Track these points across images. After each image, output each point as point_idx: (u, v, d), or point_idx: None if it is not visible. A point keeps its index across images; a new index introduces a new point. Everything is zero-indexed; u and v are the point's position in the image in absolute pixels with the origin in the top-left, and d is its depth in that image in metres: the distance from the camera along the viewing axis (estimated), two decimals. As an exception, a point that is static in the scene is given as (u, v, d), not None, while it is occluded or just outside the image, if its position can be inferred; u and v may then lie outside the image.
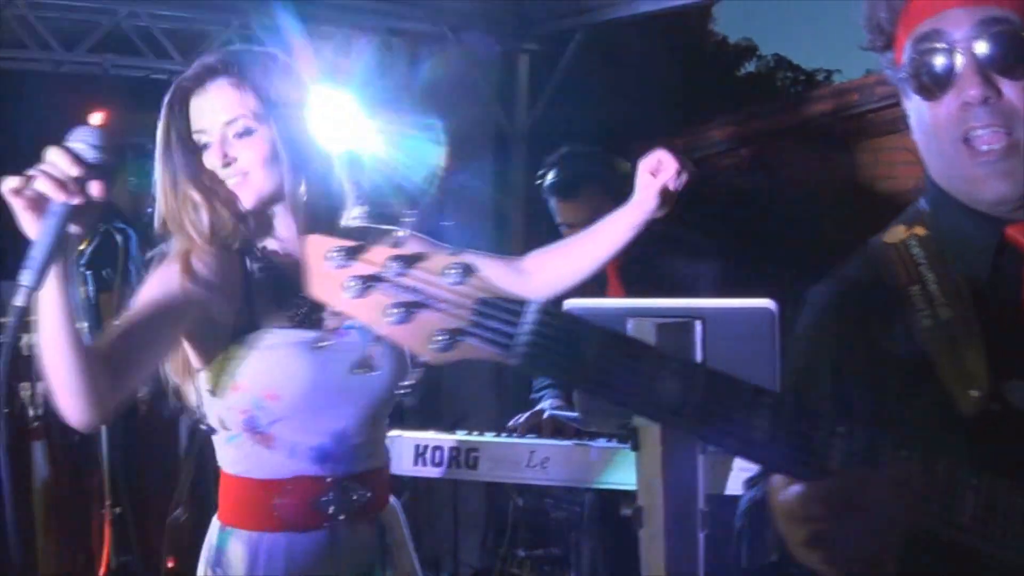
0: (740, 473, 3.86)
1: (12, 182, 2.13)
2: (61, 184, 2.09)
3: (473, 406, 7.35)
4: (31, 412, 5.13)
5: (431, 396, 7.27)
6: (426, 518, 6.59)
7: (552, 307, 1.46)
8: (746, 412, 1.48)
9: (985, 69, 1.75)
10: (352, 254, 1.47)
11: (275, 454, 2.62)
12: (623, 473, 3.99)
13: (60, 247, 2.14)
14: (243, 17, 7.23)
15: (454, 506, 6.47)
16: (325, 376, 2.62)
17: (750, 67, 23.55)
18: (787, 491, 1.48)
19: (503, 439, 4.37)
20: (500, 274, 2.78)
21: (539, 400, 4.84)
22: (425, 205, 5.78)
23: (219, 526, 2.70)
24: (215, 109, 2.63)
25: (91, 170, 2.15)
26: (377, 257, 1.48)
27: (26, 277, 2.11)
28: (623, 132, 5.41)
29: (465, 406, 7.26)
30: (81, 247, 5.43)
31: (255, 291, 2.66)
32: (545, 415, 4.60)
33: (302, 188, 2.69)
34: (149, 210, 5.78)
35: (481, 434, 4.35)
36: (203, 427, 2.63)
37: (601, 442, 4.18)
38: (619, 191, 4.70)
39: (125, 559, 5.26)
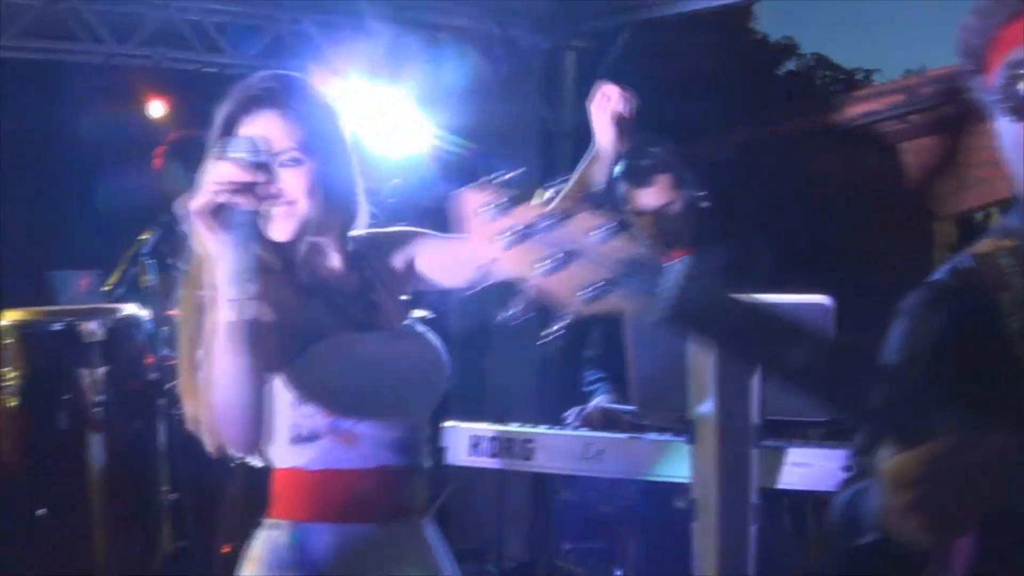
0: (792, 468, 3.88)
1: (199, 201, 2.24)
2: (245, 194, 2.21)
3: (518, 398, 7.40)
4: (92, 397, 5.18)
5: (477, 388, 7.32)
6: (471, 511, 6.63)
7: (695, 269, 1.53)
8: (868, 378, 1.57)
9: None
10: (505, 208, 1.55)
11: (361, 451, 2.65)
12: (676, 466, 3.98)
13: (249, 251, 2.24)
14: (293, 12, 7.29)
15: (499, 499, 6.50)
16: (388, 372, 2.67)
17: (790, 66, 23.48)
18: (896, 457, 1.57)
19: (558, 431, 4.40)
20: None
21: (592, 394, 4.88)
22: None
23: (289, 523, 2.69)
24: (264, 138, 2.65)
25: (263, 176, 2.28)
26: (529, 212, 1.56)
27: (229, 291, 2.23)
28: (667, 129, 5.44)
29: (510, 398, 7.30)
30: (145, 236, 5.50)
31: (311, 304, 2.71)
32: (599, 408, 4.64)
33: (343, 205, 2.76)
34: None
35: (535, 425, 4.37)
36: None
37: (655, 435, 4.19)
38: (686, 181, 4.81)
39: (182, 544, 5.30)
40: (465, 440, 4.39)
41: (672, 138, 5.02)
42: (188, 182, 6.12)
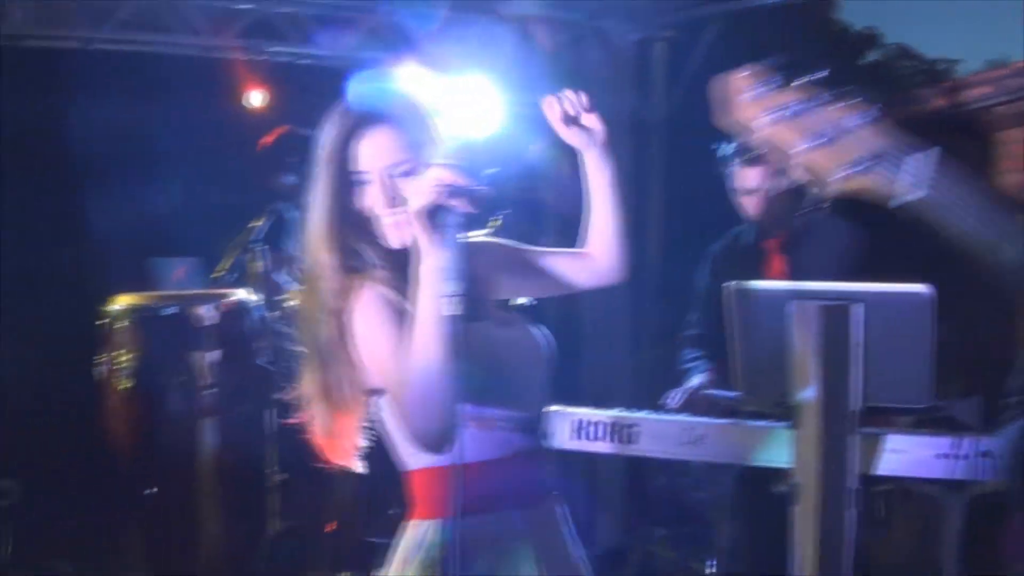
0: (889, 455, 3.90)
1: (421, 201, 2.35)
2: (461, 197, 2.32)
3: (613, 382, 7.44)
4: (205, 379, 5.30)
5: (571, 372, 7.36)
6: (564, 495, 6.68)
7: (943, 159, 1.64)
8: None
9: None
10: (773, 86, 1.67)
11: (495, 436, 2.70)
12: (777, 452, 4.01)
13: (461, 254, 2.32)
14: (388, 5, 7.36)
15: (591, 484, 6.54)
16: (514, 355, 2.75)
17: (873, 56, 23.27)
18: None
19: (661, 416, 4.44)
20: (566, 262, 3.01)
21: (690, 372, 4.93)
22: (563, 191, 5.87)
23: (435, 521, 2.71)
24: (378, 153, 2.72)
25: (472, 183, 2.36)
26: (797, 92, 1.73)
27: (450, 287, 2.31)
28: None
29: (603, 382, 7.34)
30: (256, 224, 5.59)
31: None
32: (699, 392, 4.68)
33: None
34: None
35: (638, 410, 4.42)
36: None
37: (757, 421, 4.22)
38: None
39: (290, 524, 5.41)
40: (569, 425, 4.43)
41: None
42: (292, 174, 6.27)
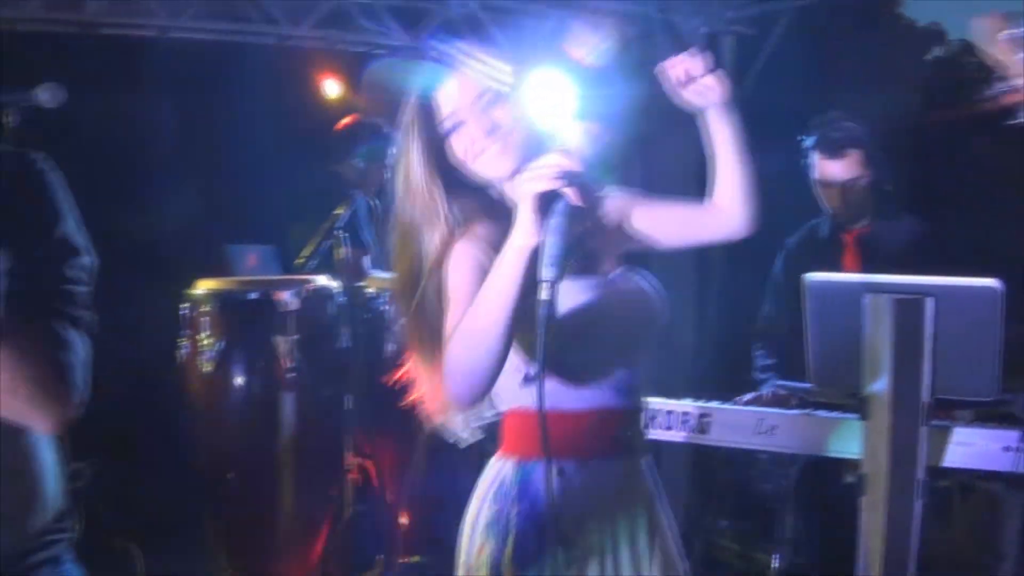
0: (955, 447, 3.94)
1: (532, 185, 2.38)
2: (573, 185, 2.35)
3: (683, 371, 7.47)
4: (286, 364, 5.40)
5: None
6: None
7: None
8: None
9: None
10: None
11: (581, 389, 2.79)
12: (847, 443, 4.06)
13: (569, 243, 2.35)
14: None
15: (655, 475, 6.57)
16: (612, 317, 2.79)
17: (937, 52, 23.11)
18: None
19: (734, 406, 4.50)
20: (694, 213, 3.05)
21: (762, 383, 4.99)
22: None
23: (514, 459, 2.86)
24: (463, 91, 2.80)
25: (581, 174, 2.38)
26: None
27: (547, 272, 2.32)
28: (817, 119, 5.52)
29: (673, 372, 7.37)
30: (339, 211, 5.68)
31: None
32: (771, 391, 4.74)
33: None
34: (376, 187, 6.10)
35: (708, 400, 4.47)
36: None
37: (828, 412, 4.27)
38: (877, 159, 4.90)
39: (361, 508, 5.49)
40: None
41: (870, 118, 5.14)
42: (363, 160, 6.35)
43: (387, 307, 5.65)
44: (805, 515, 5.02)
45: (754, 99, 8.21)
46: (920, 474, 3.77)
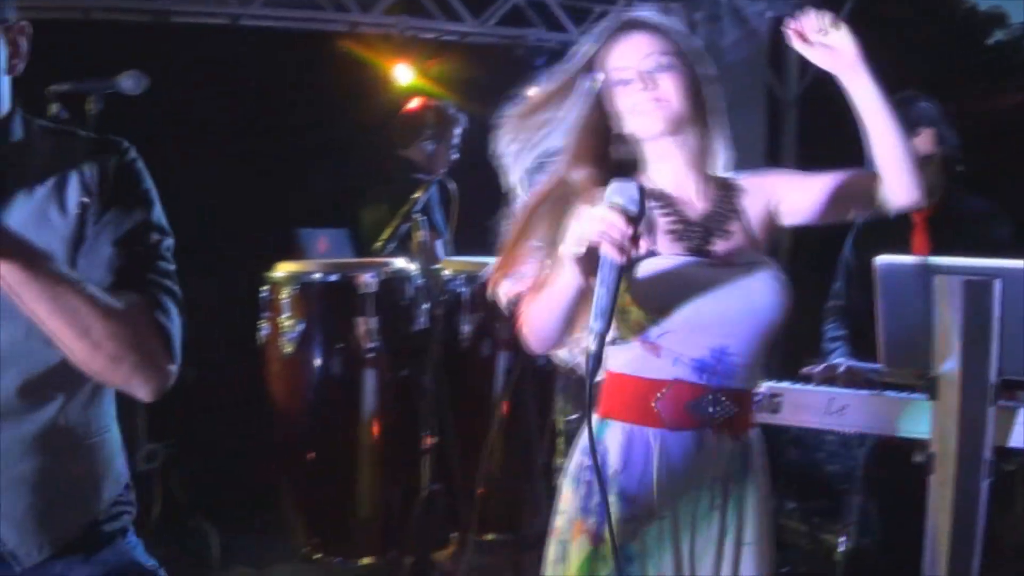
0: (1022, 428, 3.97)
1: (574, 245, 2.46)
2: (620, 247, 2.38)
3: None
4: (365, 345, 5.51)
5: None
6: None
7: None
8: None
9: None
10: None
11: (661, 360, 2.88)
12: (917, 423, 4.06)
13: (617, 290, 2.41)
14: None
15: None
16: (708, 298, 2.86)
17: (999, 36, 22.89)
18: None
19: (805, 387, 4.53)
20: (857, 182, 3.04)
21: (831, 353, 5.02)
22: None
23: (598, 419, 2.98)
24: (634, 51, 2.89)
25: (638, 225, 2.40)
26: None
27: (595, 324, 2.39)
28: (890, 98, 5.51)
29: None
30: (417, 195, 5.76)
31: (656, 228, 2.94)
32: (842, 368, 4.77)
33: (702, 128, 3.00)
34: (443, 170, 6.18)
35: (779, 381, 4.50)
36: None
37: (898, 392, 4.26)
38: (948, 138, 4.93)
39: (437, 487, 5.56)
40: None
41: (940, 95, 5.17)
42: (421, 147, 6.42)
43: (463, 289, 5.74)
44: (872, 497, 5.04)
45: (819, 84, 8.24)
46: (987, 454, 3.81)
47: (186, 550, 5.84)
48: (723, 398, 2.92)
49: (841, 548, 5.15)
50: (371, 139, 7.06)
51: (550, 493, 5.30)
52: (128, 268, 2.39)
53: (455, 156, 6.54)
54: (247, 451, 6.01)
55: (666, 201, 3.00)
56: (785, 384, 4.43)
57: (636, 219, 2.39)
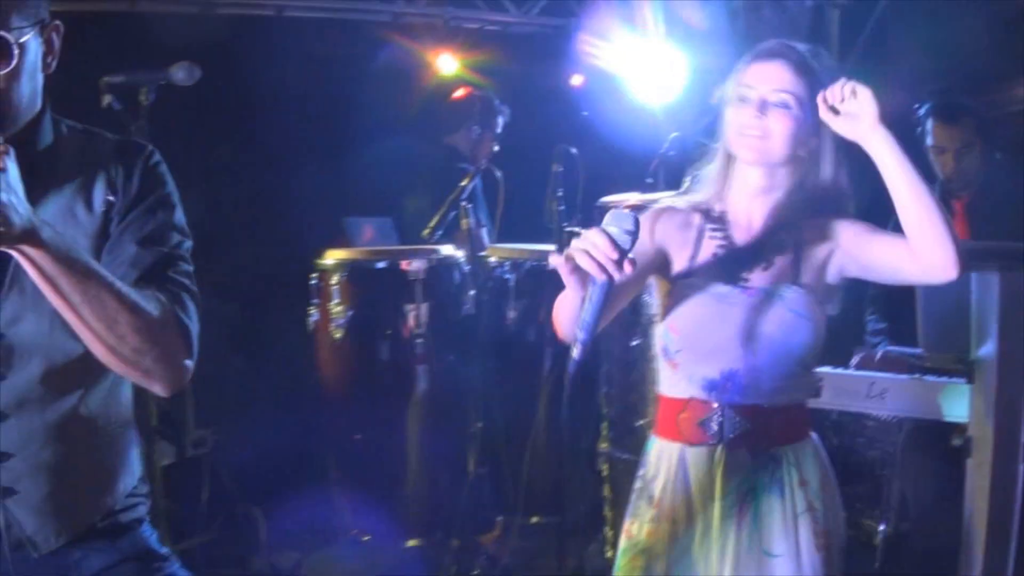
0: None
1: (563, 259, 2.50)
2: (602, 268, 2.44)
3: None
4: (414, 331, 5.63)
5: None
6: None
7: None
8: None
9: None
10: None
11: (680, 377, 3.04)
12: (956, 407, 4.14)
13: (604, 307, 2.49)
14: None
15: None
16: (725, 323, 2.97)
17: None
18: None
19: (846, 371, 4.61)
20: (897, 251, 2.93)
21: (874, 347, 5.06)
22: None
23: (653, 439, 3.17)
24: (767, 77, 2.96)
25: (626, 253, 2.46)
26: None
27: (580, 334, 2.48)
28: (933, 87, 5.51)
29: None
30: (464, 183, 5.82)
31: (702, 248, 3.07)
32: (880, 353, 4.81)
33: (798, 169, 3.05)
34: (486, 159, 6.23)
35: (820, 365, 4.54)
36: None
37: (937, 377, 4.33)
38: (989, 127, 4.97)
39: (483, 471, 5.66)
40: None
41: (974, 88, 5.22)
42: (468, 136, 6.48)
43: (508, 276, 5.82)
44: (911, 482, 5.07)
45: (858, 72, 8.23)
46: (1024, 437, 3.88)
47: (234, 534, 5.91)
48: (733, 415, 3.00)
49: (881, 533, 5.19)
50: (416, 128, 7.12)
51: (594, 478, 5.42)
52: (151, 266, 2.47)
53: (496, 148, 6.59)
54: (295, 436, 6.06)
55: (721, 224, 3.09)
56: (826, 369, 4.49)
57: (623, 246, 2.45)
